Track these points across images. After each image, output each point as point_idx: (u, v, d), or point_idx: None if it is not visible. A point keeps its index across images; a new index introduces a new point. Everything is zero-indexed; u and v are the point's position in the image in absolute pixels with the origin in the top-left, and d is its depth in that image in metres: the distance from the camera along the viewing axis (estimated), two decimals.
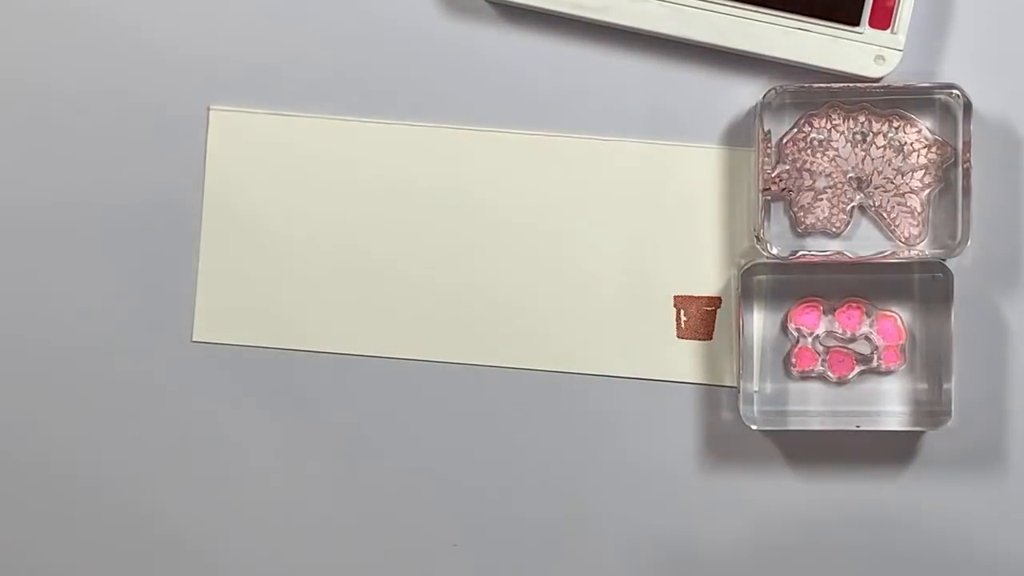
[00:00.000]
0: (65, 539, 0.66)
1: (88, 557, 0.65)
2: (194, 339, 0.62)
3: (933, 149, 0.60)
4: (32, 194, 0.64)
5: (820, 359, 0.61)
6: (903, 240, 0.60)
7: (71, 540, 0.66)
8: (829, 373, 0.61)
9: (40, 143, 0.64)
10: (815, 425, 0.61)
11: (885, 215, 0.60)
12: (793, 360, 0.61)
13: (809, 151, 0.60)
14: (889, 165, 0.60)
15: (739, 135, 0.61)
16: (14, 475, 0.65)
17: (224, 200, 0.63)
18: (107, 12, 0.64)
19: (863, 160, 0.60)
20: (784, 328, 0.61)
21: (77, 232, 0.64)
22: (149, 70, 0.64)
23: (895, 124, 0.60)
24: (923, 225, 0.60)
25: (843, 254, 0.60)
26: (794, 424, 0.61)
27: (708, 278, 0.61)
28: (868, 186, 0.60)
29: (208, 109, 0.62)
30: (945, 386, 0.59)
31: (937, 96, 0.59)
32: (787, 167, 0.61)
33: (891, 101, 0.61)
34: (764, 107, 0.60)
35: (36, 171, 0.64)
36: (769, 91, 0.60)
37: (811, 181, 0.60)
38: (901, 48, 0.59)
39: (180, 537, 0.65)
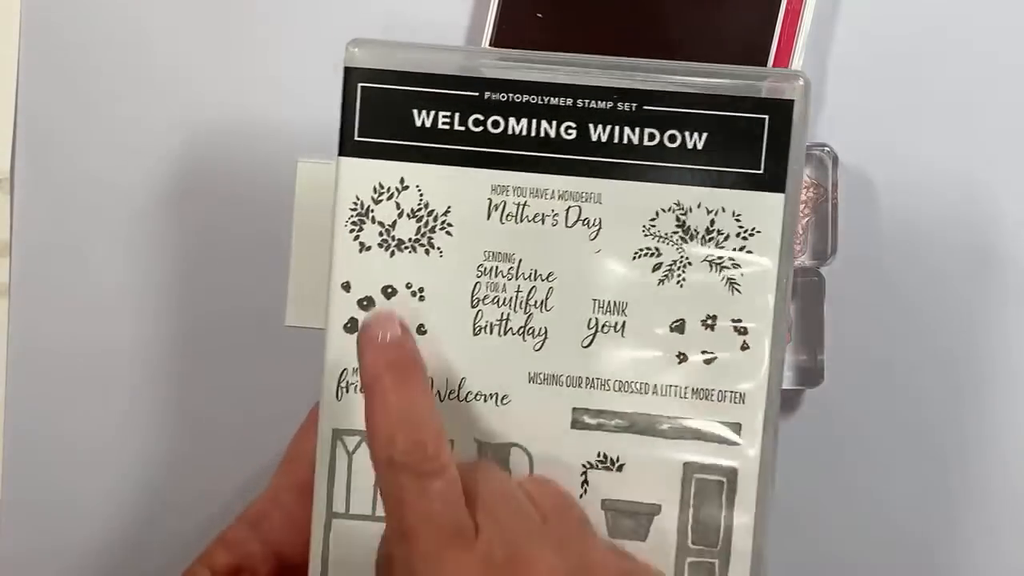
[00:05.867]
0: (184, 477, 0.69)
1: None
2: (286, 324, 0.67)
3: (811, 189, 0.66)
4: (172, 227, 0.68)
5: None
6: None
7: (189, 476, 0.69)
8: None
9: (178, 190, 0.67)
10: None
11: None
12: None
13: None
14: None
15: None
16: (154, 413, 0.68)
17: (308, 226, 0.67)
18: (219, 89, 0.68)
19: None
20: None
21: (205, 251, 0.68)
22: (255, 134, 0.67)
23: None
24: (804, 243, 0.66)
25: None
26: None
27: None
28: None
29: (296, 162, 0.67)
30: (819, 357, 0.65)
31: (814, 152, 0.65)
32: None
33: None
34: None
35: (176, 210, 0.68)
36: None
37: None
38: None
39: None
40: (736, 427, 0.54)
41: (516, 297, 0.54)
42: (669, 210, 0.53)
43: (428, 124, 0.53)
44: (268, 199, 0.68)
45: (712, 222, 0.53)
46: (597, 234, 0.53)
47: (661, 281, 0.53)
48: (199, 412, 0.69)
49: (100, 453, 0.69)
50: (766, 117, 0.53)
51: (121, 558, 0.70)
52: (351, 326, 0.54)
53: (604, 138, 0.53)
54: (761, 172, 0.53)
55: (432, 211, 0.54)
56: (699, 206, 0.53)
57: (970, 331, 0.67)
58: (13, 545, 0.70)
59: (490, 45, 0.66)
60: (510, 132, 0.53)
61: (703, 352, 0.54)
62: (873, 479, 0.67)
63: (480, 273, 0.54)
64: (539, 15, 0.66)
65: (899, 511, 0.67)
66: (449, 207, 0.54)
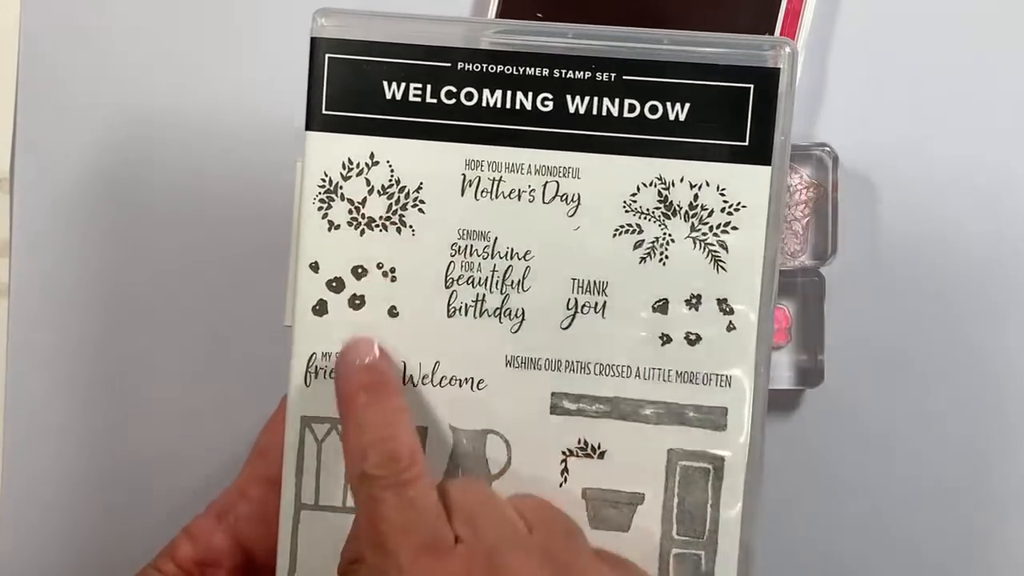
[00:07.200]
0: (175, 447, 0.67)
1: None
2: (286, 324, 0.60)
3: (811, 189, 0.65)
4: (171, 226, 0.67)
5: None
6: (790, 254, 0.65)
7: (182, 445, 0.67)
8: None
9: (177, 190, 0.67)
10: None
11: None
12: None
13: None
14: None
15: None
16: (155, 403, 0.67)
17: None
18: (220, 89, 0.67)
19: None
20: None
21: (205, 251, 0.67)
22: (255, 133, 0.67)
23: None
24: (804, 243, 0.65)
25: None
26: None
27: None
28: None
29: (296, 161, 0.59)
30: (819, 357, 0.64)
31: (814, 152, 0.64)
32: None
33: None
34: None
35: (175, 210, 0.67)
36: None
37: None
38: None
39: None
40: (723, 412, 0.51)
41: (492, 277, 0.51)
42: (651, 184, 0.50)
43: (399, 96, 0.50)
44: (268, 199, 0.67)
45: (696, 197, 0.50)
46: (576, 210, 0.50)
47: (643, 259, 0.51)
48: (199, 412, 0.67)
49: (99, 452, 0.68)
50: (751, 86, 0.50)
51: (119, 556, 0.68)
52: (320, 308, 0.52)
53: (582, 110, 0.50)
54: (746, 144, 0.50)
55: (404, 187, 0.51)
56: (682, 180, 0.50)
57: (970, 330, 0.65)
58: (12, 542, 0.68)
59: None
60: (484, 104, 0.50)
61: (687, 333, 0.51)
62: (873, 479, 0.66)
63: (454, 252, 0.51)
64: (539, 15, 0.64)
65: (899, 511, 0.66)
66: (421, 183, 0.51)
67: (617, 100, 0.50)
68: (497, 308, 0.51)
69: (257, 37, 0.68)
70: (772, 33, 0.64)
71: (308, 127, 0.51)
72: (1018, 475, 0.66)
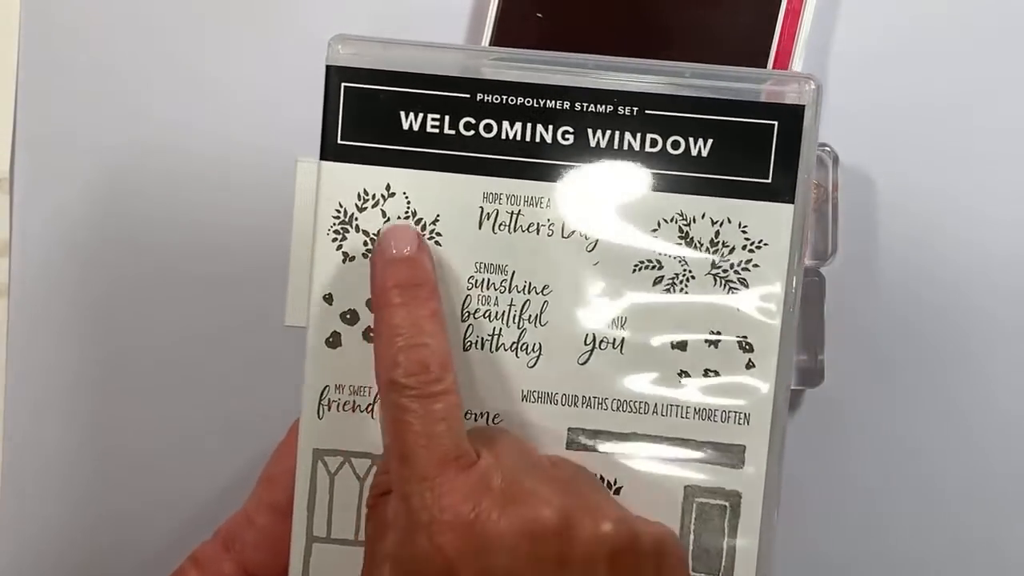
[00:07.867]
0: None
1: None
2: (286, 324, 0.62)
3: (812, 189, 0.58)
4: (171, 226, 0.67)
5: None
6: None
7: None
8: None
9: (177, 189, 0.67)
10: None
11: None
12: None
13: None
14: None
15: None
16: (159, 400, 0.67)
17: (306, 226, 0.59)
18: (220, 88, 0.67)
19: None
20: None
21: (205, 251, 0.67)
22: (255, 133, 0.67)
23: None
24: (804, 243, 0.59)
25: None
26: None
27: None
28: None
29: (296, 161, 0.61)
30: (820, 357, 0.64)
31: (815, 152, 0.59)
32: None
33: None
34: None
35: (175, 209, 0.67)
36: None
37: None
38: None
39: None
40: (740, 449, 0.50)
41: (509, 311, 0.50)
42: (672, 220, 0.49)
43: (416, 127, 0.49)
44: (268, 199, 0.66)
45: (717, 233, 0.49)
46: (595, 245, 0.50)
47: (663, 295, 0.50)
48: (199, 412, 0.67)
49: (99, 453, 0.67)
50: (775, 123, 0.49)
51: (117, 558, 0.68)
52: (333, 340, 0.51)
53: (603, 144, 0.49)
54: (769, 181, 0.49)
55: (420, 220, 0.50)
56: (703, 216, 0.49)
57: (970, 330, 0.65)
58: (12, 545, 0.68)
59: (490, 45, 0.63)
60: (503, 136, 0.49)
61: (706, 370, 0.50)
62: (873, 479, 0.66)
63: (471, 285, 0.50)
64: (539, 15, 0.64)
65: (899, 511, 0.66)
66: (438, 215, 0.50)
67: (639, 135, 0.49)
68: (514, 342, 0.50)
69: (257, 39, 0.67)
70: (772, 33, 0.64)
71: (323, 157, 0.50)
72: (1018, 475, 0.66)
